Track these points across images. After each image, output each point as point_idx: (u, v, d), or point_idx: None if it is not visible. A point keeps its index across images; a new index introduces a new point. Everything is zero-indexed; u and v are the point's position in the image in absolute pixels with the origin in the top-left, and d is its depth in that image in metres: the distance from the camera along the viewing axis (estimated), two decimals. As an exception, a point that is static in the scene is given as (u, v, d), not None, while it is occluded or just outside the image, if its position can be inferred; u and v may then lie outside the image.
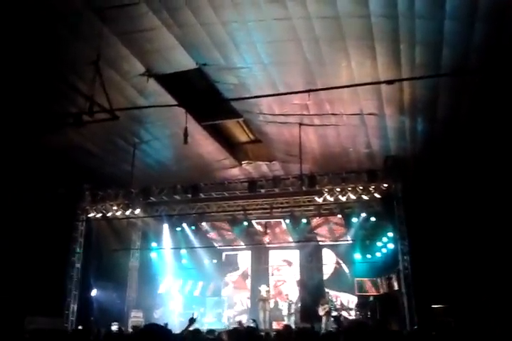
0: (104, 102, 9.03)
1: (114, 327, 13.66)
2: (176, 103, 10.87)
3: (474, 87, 9.19)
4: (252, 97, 10.61)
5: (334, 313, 14.93)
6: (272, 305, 17.15)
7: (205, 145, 12.95)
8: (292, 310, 16.21)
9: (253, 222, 17.18)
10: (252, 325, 10.23)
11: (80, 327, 12.92)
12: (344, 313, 16.10)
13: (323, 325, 14.70)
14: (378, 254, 16.26)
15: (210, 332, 8.45)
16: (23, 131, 11.02)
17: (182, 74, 10.31)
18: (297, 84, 9.91)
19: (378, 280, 16.53)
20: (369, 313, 14.70)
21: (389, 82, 8.56)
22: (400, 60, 9.02)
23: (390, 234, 14.65)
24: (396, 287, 14.35)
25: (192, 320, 5.90)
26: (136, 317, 16.09)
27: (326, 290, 17.12)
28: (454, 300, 11.74)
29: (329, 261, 17.96)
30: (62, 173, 12.83)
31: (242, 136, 13.30)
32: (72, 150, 12.40)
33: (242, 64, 9.78)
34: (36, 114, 10.58)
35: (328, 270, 17.94)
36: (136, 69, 10.04)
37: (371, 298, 15.87)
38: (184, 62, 9.83)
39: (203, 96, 11.02)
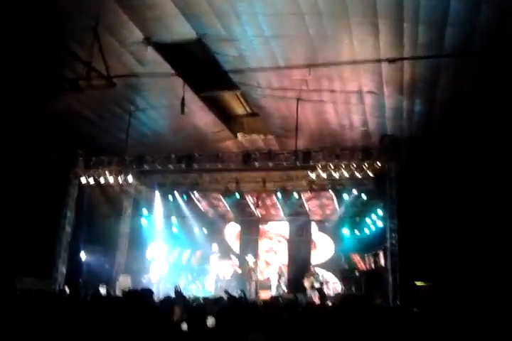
0: (101, 69, 8.96)
1: (102, 289, 13.88)
2: (174, 72, 10.73)
3: (476, 69, 9.14)
4: (251, 70, 10.51)
5: (317, 285, 15.24)
6: (259, 275, 17.43)
7: (202, 117, 12.87)
8: (281, 282, 16.54)
9: (245, 194, 17.28)
10: (240, 294, 10.50)
11: (66, 289, 13.12)
12: (330, 285, 16.46)
13: (307, 297, 15.04)
14: (367, 231, 16.48)
15: (196, 299, 8.63)
16: (19, 96, 10.88)
17: (181, 43, 10.14)
18: (297, 58, 9.82)
19: (365, 256, 16.81)
20: (353, 288, 15.01)
21: (391, 61, 8.55)
22: (403, 39, 8.91)
23: (380, 212, 14.83)
24: (382, 263, 14.62)
25: (177, 293, 5.91)
26: (123, 282, 16.32)
27: (312, 263, 17.43)
28: (438, 279, 11.98)
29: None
30: (57, 139, 12.77)
31: (239, 108, 13.20)
32: (68, 116, 12.26)
33: (243, 36, 9.61)
34: (33, 79, 10.42)
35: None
36: (135, 37, 9.85)
37: (356, 273, 16.20)
38: (184, 31, 9.65)
39: (201, 67, 10.85)
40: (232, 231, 19.51)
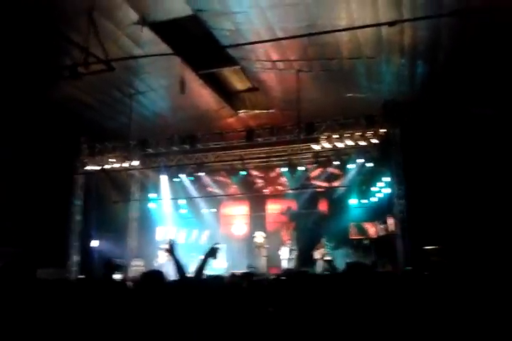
0: (99, 53, 8.88)
1: (118, 276, 14.01)
2: (171, 52, 10.64)
3: (477, 27, 9.07)
4: (248, 43, 10.38)
5: (328, 257, 15.36)
6: (269, 251, 17.53)
7: (202, 95, 12.80)
8: (293, 256, 16.69)
9: (251, 171, 17.33)
10: (251, 270, 10.69)
11: (81, 276, 13.25)
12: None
13: (319, 268, 15.20)
14: (374, 199, 16.54)
15: (218, 277, 8.74)
16: (19, 85, 10.79)
17: (177, 21, 10.04)
18: (295, 28, 9.66)
19: (374, 223, 16.93)
20: (364, 256, 15.17)
21: (390, 24, 8.41)
22: (402, 0, 8.82)
23: (386, 179, 14.87)
24: (391, 230, 14.76)
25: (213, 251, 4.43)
26: (137, 266, 16.44)
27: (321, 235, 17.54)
28: (447, 242, 12.10)
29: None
30: (60, 127, 12.71)
31: (239, 84, 13.10)
32: (69, 103, 12.22)
33: (238, 8, 9.48)
34: (31, 68, 10.33)
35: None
36: (131, 18, 9.76)
37: (366, 241, 16.35)
38: (179, 8, 9.55)
39: (199, 44, 10.76)
40: (240, 208, 19.60)
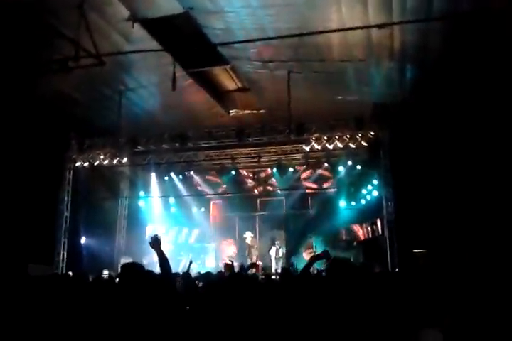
0: (90, 48, 8.87)
1: (105, 274, 13.98)
2: (162, 49, 10.62)
3: (465, 31, 9.12)
4: (239, 42, 10.35)
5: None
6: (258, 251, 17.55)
7: (192, 94, 12.78)
8: (280, 255, 16.72)
9: (241, 170, 17.36)
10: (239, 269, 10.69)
11: (70, 273, 13.19)
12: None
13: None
14: (363, 201, 16.63)
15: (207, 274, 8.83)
16: (7, 80, 10.73)
17: (168, 19, 9.98)
18: (286, 28, 9.66)
19: (362, 226, 17.00)
20: (352, 258, 15.20)
21: (380, 26, 8.49)
22: (391, 4, 8.85)
23: (375, 182, 14.95)
24: (379, 232, 14.81)
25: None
26: (126, 263, 16.40)
27: (309, 235, 17.58)
28: (435, 245, 12.13)
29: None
30: (48, 122, 12.64)
31: (230, 83, 13.08)
32: (58, 99, 12.15)
33: (230, 8, 9.46)
34: (20, 62, 10.28)
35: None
36: (121, 14, 9.70)
37: (355, 243, 16.41)
38: (170, 6, 9.51)
39: (189, 42, 10.72)
40: (229, 208, 19.58)
